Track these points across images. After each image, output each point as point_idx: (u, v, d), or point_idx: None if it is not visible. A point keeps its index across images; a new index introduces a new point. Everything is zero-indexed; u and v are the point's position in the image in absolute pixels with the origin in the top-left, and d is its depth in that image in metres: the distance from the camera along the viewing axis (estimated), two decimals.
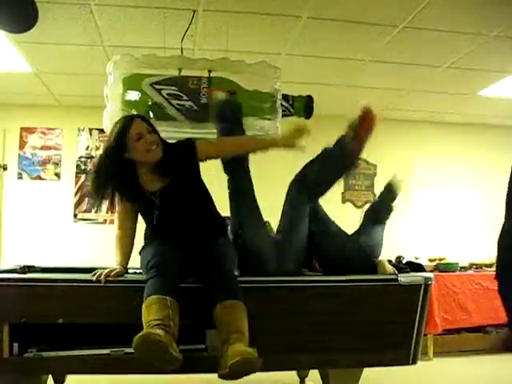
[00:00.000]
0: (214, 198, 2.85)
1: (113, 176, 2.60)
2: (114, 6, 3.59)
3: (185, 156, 2.69)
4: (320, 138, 6.46)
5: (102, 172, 2.61)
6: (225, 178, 2.94)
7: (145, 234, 2.82)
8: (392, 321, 2.77)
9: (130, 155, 2.59)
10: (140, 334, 2.15)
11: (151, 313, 2.28)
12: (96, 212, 5.83)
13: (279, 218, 3.00)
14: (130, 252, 2.74)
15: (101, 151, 2.73)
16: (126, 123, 2.61)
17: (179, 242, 2.62)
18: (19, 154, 5.83)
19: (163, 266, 2.47)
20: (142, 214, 2.78)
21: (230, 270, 2.58)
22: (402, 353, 2.82)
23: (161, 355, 2.15)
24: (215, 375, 2.29)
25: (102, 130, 5.58)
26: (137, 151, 2.58)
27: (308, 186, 2.95)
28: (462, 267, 5.54)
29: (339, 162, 3.01)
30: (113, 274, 2.56)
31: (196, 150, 2.69)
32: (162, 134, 2.83)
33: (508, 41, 4.11)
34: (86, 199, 5.84)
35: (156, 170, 2.64)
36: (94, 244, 5.62)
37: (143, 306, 2.33)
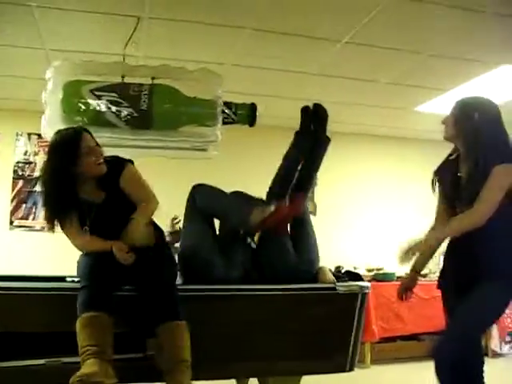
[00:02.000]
0: None
1: (69, 194, 2.56)
2: (57, 10, 3.52)
3: (113, 176, 2.66)
4: (264, 149, 6.53)
5: (56, 193, 2.56)
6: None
7: None
8: (330, 329, 2.83)
9: (78, 169, 2.55)
10: (77, 375, 2.18)
11: (86, 337, 2.30)
12: (33, 219, 5.68)
13: None
14: None
15: (46, 167, 2.60)
16: (75, 137, 2.56)
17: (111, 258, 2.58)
18: None
19: (97, 276, 2.45)
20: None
21: (169, 283, 2.58)
22: (339, 360, 2.88)
23: None
24: None
25: (41, 135, 5.50)
26: (87, 165, 2.55)
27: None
28: (398, 277, 5.68)
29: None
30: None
31: (120, 176, 2.67)
32: (103, 141, 2.81)
33: (444, 59, 4.30)
34: (23, 205, 5.68)
35: (97, 183, 2.63)
36: (31, 252, 5.47)
37: (78, 324, 2.33)
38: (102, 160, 2.60)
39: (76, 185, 2.58)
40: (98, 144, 2.64)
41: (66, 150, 2.54)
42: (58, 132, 2.64)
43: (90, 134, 2.63)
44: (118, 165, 2.69)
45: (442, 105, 5.47)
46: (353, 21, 3.69)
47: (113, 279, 2.50)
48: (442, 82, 4.85)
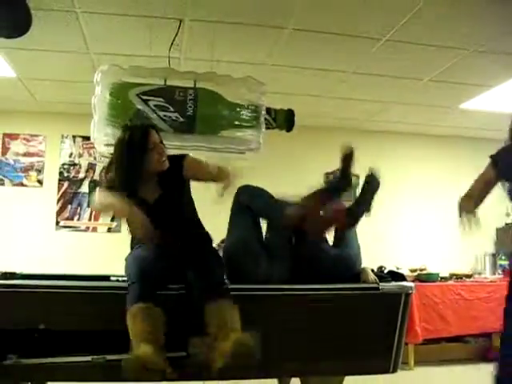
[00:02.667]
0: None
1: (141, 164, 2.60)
2: (101, 14, 3.60)
3: (174, 171, 2.71)
4: (302, 148, 6.52)
5: (132, 160, 2.59)
6: None
7: (132, 241, 2.82)
8: (373, 329, 2.80)
9: (144, 165, 2.60)
10: (129, 357, 2.21)
11: (138, 325, 2.31)
12: (78, 220, 5.81)
13: None
14: None
15: (116, 161, 2.65)
16: (143, 131, 2.64)
17: (166, 250, 2.62)
18: (1, 160, 5.79)
19: (146, 274, 2.47)
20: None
21: (221, 274, 2.60)
22: (382, 361, 2.85)
23: (150, 375, 2.21)
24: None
25: (85, 138, 5.63)
26: (151, 161, 2.61)
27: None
28: (442, 277, 5.59)
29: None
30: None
31: (183, 168, 2.72)
32: None
33: (488, 55, 4.20)
34: (69, 206, 5.82)
35: (158, 181, 2.68)
36: (76, 251, 5.60)
37: (128, 315, 2.34)
38: (164, 158, 2.66)
39: (140, 181, 2.64)
40: (162, 141, 2.69)
41: (136, 144, 2.59)
42: (126, 128, 2.73)
43: (156, 130, 2.70)
44: (178, 159, 2.74)
45: (487, 102, 5.36)
46: (393, 18, 3.65)
47: (161, 277, 2.53)
48: (487, 78, 4.74)
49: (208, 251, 2.69)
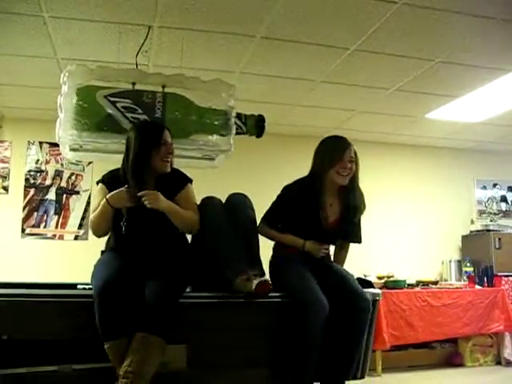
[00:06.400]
0: None
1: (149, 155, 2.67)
2: (69, 19, 3.56)
3: (173, 185, 2.77)
4: (270, 156, 6.55)
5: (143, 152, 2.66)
6: None
7: (108, 242, 2.83)
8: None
9: (151, 159, 2.67)
10: None
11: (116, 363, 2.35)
12: (45, 227, 5.72)
13: None
14: None
15: (133, 136, 2.70)
16: (158, 127, 2.77)
17: (139, 259, 2.60)
18: None
19: (110, 294, 2.40)
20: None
21: (167, 296, 2.49)
22: None
23: None
24: None
25: (52, 144, 5.55)
26: (156, 158, 2.68)
27: None
28: (409, 284, 5.67)
29: None
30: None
31: (181, 190, 2.78)
32: (117, 147, 2.84)
33: (454, 66, 4.30)
34: (35, 214, 5.72)
35: (155, 184, 2.70)
36: (43, 259, 5.51)
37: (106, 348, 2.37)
38: (169, 159, 2.72)
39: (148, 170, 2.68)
40: (172, 144, 2.76)
41: (149, 136, 2.70)
42: (140, 121, 2.91)
43: (169, 131, 2.77)
44: (184, 179, 2.84)
45: (452, 112, 5.47)
46: (361, 28, 3.70)
47: (128, 292, 2.47)
48: (452, 88, 4.84)
49: (172, 274, 2.60)
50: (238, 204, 2.91)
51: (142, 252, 2.63)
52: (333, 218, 3.05)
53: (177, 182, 2.79)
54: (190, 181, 2.86)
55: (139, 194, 2.55)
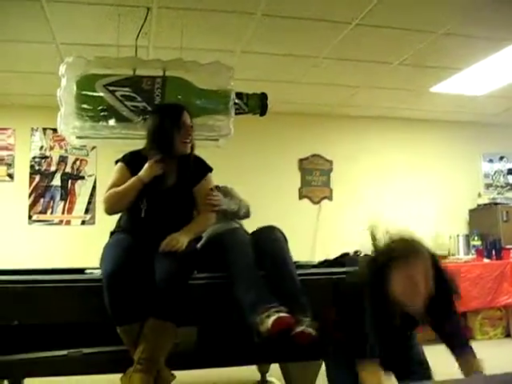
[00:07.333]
0: None
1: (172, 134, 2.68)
2: (66, 3, 3.54)
3: (196, 173, 2.77)
4: (275, 135, 6.52)
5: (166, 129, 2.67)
6: None
7: (119, 222, 2.79)
8: None
9: (172, 139, 2.67)
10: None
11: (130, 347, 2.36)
12: (51, 213, 5.74)
13: None
14: None
15: (155, 117, 2.75)
16: (177, 109, 2.74)
17: (152, 241, 2.56)
18: None
19: (121, 277, 2.38)
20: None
21: (177, 275, 2.47)
22: None
23: None
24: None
25: (56, 130, 5.53)
26: (177, 137, 2.67)
27: None
28: None
29: None
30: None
31: (203, 179, 2.79)
32: (118, 136, 2.85)
33: (456, 38, 4.24)
34: (41, 200, 5.74)
35: (178, 167, 2.72)
36: (50, 245, 5.53)
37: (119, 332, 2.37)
38: (188, 141, 2.70)
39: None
40: (192, 126, 2.75)
41: (169, 117, 2.69)
42: (161, 104, 2.92)
43: (189, 113, 2.75)
44: (207, 168, 2.84)
45: (457, 85, 5.41)
46: (362, 2, 3.65)
47: (138, 275, 2.44)
48: (455, 61, 4.79)
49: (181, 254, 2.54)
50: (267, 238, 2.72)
51: (159, 235, 2.60)
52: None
53: (198, 171, 2.79)
54: (211, 170, 2.86)
55: (161, 248, 2.49)
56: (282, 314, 2.26)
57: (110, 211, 2.70)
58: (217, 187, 3.02)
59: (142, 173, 2.64)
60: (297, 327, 2.29)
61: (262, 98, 3.24)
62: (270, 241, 2.69)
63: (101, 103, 2.95)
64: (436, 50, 4.48)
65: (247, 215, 3.20)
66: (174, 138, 2.66)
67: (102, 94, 2.95)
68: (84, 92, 2.95)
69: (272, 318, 2.22)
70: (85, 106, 2.94)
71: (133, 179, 2.64)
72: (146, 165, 2.65)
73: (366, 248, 2.45)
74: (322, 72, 4.98)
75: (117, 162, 2.80)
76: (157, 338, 2.34)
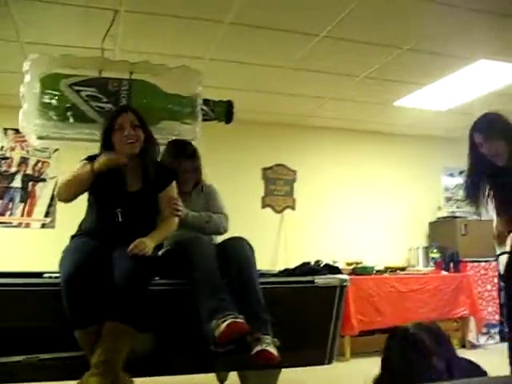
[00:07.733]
0: None
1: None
2: (33, 1, 3.47)
3: (160, 180, 2.76)
4: (240, 143, 6.54)
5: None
6: None
7: (80, 227, 2.77)
8: (309, 322, 2.84)
9: (113, 144, 2.69)
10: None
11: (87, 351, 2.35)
12: (10, 215, 5.61)
13: None
14: None
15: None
16: (113, 114, 2.75)
17: (115, 247, 2.55)
18: None
19: (78, 282, 2.37)
20: (99, 202, 2.72)
21: (136, 276, 2.45)
22: (318, 353, 2.90)
23: None
24: None
25: (18, 130, 5.41)
26: (116, 141, 2.68)
27: None
28: (377, 270, 5.74)
29: None
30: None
31: (167, 186, 2.79)
32: (83, 136, 2.81)
33: (421, 54, 4.33)
34: (0, 201, 5.61)
35: (142, 173, 2.71)
36: (8, 248, 5.40)
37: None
38: (132, 141, 2.67)
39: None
40: (137, 126, 2.70)
41: (109, 117, 2.75)
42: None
43: (137, 115, 2.73)
44: (172, 175, 2.85)
45: (420, 99, 5.52)
46: (330, 15, 3.70)
47: (97, 278, 2.42)
48: (419, 76, 4.89)
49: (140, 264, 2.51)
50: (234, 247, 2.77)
51: (123, 240, 2.56)
52: None
53: (162, 179, 2.79)
54: (177, 177, 2.87)
55: (128, 249, 2.46)
56: (237, 320, 2.30)
57: (61, 198, 2.75)
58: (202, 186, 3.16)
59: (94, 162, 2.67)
60: (256, 346, 2.34)
61: (229, 105, 3.25)
62: (237, 247, 2.73)
63: (65, 102, 2.91)
64: (401, 65, 4.57)
65: (218, 232, 3.12)
66: (113, 140, 2.68)
67: (66, 93, 2.91)
68: (48, 90, 2.90)
69: (226, 323, 2.27)
70: (48, 103, 2.90)
71: (81, 166, 2.69)
72: (100, 156, 2.69)
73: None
74: (289, 82, 5.01)
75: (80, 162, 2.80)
76: (114, 341, 2.32)
